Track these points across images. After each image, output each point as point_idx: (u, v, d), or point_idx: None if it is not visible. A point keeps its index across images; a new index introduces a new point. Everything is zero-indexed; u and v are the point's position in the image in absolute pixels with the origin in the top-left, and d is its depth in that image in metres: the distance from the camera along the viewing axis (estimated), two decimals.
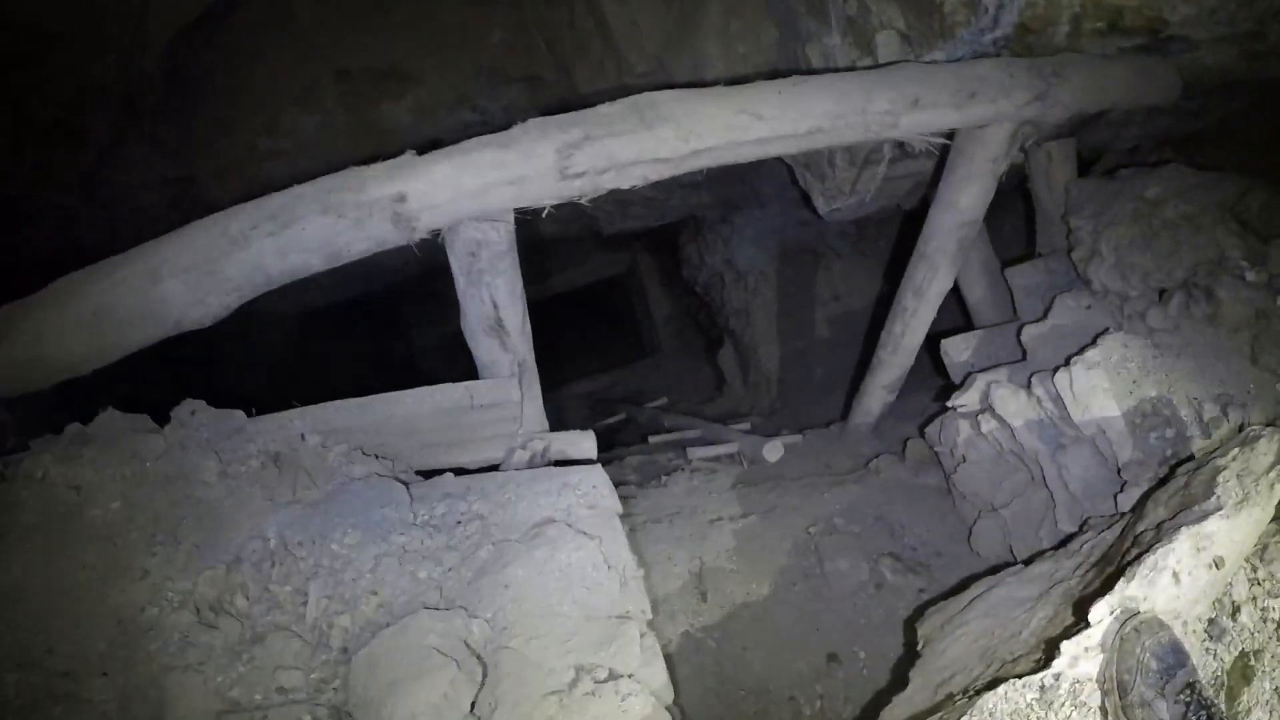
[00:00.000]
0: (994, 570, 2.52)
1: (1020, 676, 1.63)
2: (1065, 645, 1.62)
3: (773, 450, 4.37)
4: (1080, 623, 1.68)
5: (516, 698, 2.09)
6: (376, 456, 2.85)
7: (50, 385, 2.72)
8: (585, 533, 2.54)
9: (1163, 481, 2.19)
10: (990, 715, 1.62)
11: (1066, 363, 2.67)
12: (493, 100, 5.55)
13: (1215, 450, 2.11)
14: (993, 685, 1.64)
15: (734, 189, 6.14)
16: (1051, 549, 2.51)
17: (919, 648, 2.33)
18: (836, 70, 3.33)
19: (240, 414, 2.69)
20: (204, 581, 2.18)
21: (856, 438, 4.46)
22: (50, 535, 2.16)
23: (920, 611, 2.55)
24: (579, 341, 12.34)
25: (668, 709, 2.32)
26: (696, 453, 4.78)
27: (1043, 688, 1.60)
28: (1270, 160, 3.26)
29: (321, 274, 2.64)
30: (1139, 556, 1.77)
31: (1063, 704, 1.59)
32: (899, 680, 2.37)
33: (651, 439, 5.78)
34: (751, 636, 3.13)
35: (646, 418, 6.74)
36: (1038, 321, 3.09)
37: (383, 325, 9.75)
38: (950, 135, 3.07)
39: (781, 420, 6.10)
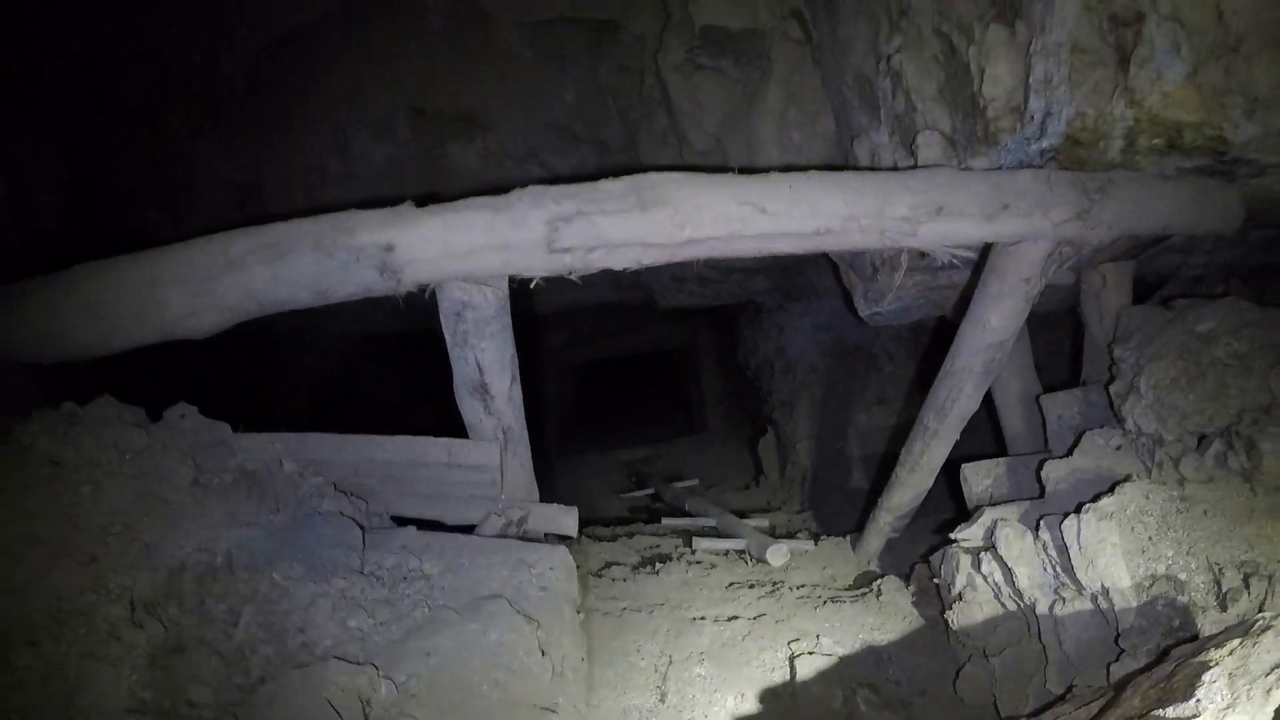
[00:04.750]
0: None
1: None
2: None
3: (776, 554, 4.11)
4: None
5: None
6: (351, 495, 2.81)
7: (57, 361, 2.76)
8: (527, 615, 2.41)
9: (1150, 666, 1.89)
10: None
11: (1079, 509, 2.40)
12: (560, 159, 5.63)
13: (1220, 634, 1.81)
14: None
15: (790, 279, 5.99)
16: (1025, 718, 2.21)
17: None
18: (880, 169, 3.19)
19: (226, 426, 2.71)
20: (143, 582, 2.16)
21: (867, 554, 4.16)
22: (16, 503, 2.20)
23: None
24: (633, 409, 12.23)
25: None
26: (702, 544, 4.54)
27: None
28: None
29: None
30: None
31: None
32: None
33: (665, 520, 5.56)
34: None
35: (672, 496, 6.53)
36: (1061, 458, 2.82)
37: (439, 359, 9.75)
38: (987, 250, 2.88)
39: (806, 521, 5.81)
